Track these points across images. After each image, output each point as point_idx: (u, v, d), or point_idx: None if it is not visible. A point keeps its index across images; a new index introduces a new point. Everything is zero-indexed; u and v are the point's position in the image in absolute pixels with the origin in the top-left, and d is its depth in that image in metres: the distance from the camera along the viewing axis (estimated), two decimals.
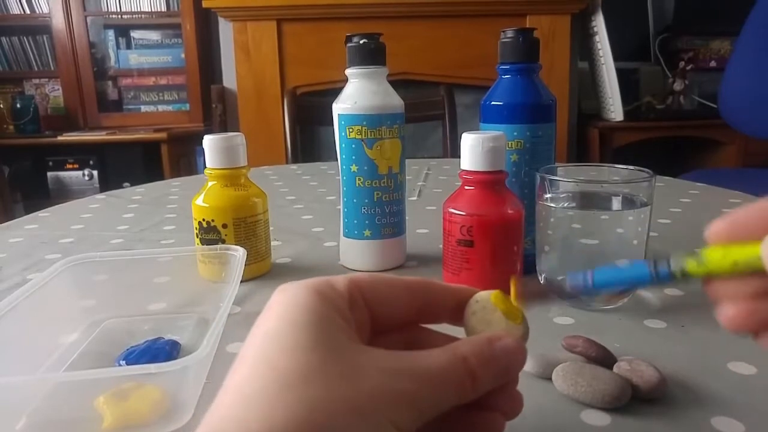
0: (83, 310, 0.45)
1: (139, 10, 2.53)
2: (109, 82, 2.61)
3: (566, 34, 2.20)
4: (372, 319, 0.25)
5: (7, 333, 0.36)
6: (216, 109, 2.38)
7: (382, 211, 0.54)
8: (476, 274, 0.47)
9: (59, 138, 2.40)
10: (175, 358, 0.38)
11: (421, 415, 0.21)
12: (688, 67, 2.36)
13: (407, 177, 0.59)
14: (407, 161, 0.58)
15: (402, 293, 0.26)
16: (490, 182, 0.46)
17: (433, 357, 0.22)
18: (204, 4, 2.15)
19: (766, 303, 0.20)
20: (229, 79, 2.36)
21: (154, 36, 2.60)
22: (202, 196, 0.53)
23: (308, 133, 2.25)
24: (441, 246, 0.49)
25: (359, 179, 0.54)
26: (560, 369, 0.34)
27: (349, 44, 0.53)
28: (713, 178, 1.31)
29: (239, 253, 0.45)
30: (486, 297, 0.26)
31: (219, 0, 2.14)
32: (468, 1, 2.16)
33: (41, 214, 0.81)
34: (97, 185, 2.49)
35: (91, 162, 2.50)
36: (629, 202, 0.45)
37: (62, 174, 2.51)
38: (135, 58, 2.58)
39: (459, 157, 0.47)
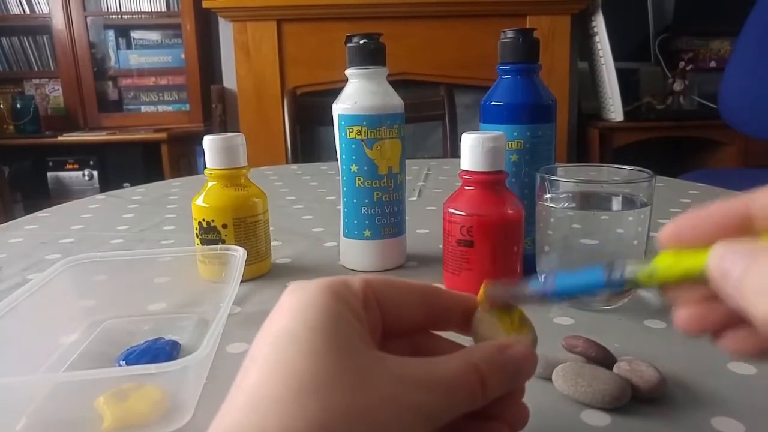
0: (83, 310, 0.45)
1: (139, 10, 2.53)
2: (109, 83, 2.61)
3: (566, 35, 2.20)
4: (382, 322, 0.25)
5: (7, 333, 0.36)
6: (216, 109, 2.38)
7: (382, 212, 0.54)
8: (476, 274, 0.47)
9: (59, 138, 2.40)
10: (175, 359, 0.38)
11: (433, 423, 0.21)
12: (688, 68, 2.36)
13: (407, 177, 0.59)
14: (407, 161, 0.58)
15: (413, 297, 0.26)
16: (490, 182, 0.46)
17: (446, 365, 0.22)
18: (204, 4, 2.15)
19: (718, 305, 0.20)
20: (229, 79, 2.36)
21: (154, 36, 2.60)
22: (202, 197, 0.53)
23: (308, 133, 2.25)
24: (441, 246, 0.49)
25: (359, 179, 0.54)
26: (560, 369, 0.34)
27: (349, 44, 0.53)
28: (713, 178, 1.31)
29: (239, 253, 0.45)
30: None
31: (219, 0, 2.14)
32: (468, 1, 2.16)
33: (41, 214, 0.81)
34: (97, 185, 2.49)
35: (91, 162, 2.50)
36: (629, 203, 0.45)
37: (62, 174, 2.51)
38: (135, 59, 2.58)
39: (459, 157, 0.47)
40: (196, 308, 0.47)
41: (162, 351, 0.38)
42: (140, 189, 0.99)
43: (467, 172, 0.47)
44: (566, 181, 0.47)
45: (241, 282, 0.42)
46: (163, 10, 2.52)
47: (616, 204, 0.45)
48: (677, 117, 2.28)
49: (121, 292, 0.47)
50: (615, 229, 0.46)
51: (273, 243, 0.59)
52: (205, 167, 0.53)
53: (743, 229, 0.20)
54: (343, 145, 0.54)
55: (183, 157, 2.49)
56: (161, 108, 2.62)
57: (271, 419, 0.18)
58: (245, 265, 0.43)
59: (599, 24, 2.14)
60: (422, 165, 1.17)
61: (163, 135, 2.37)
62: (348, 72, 0.54)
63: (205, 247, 0.53)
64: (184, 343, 0.41)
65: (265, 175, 1.10)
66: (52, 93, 2.62)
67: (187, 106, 2.56)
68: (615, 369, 0.34)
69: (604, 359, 0.35)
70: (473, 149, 0.46)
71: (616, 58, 2.12)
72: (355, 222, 0.55)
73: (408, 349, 0.26)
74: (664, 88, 2.43)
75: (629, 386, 0.32)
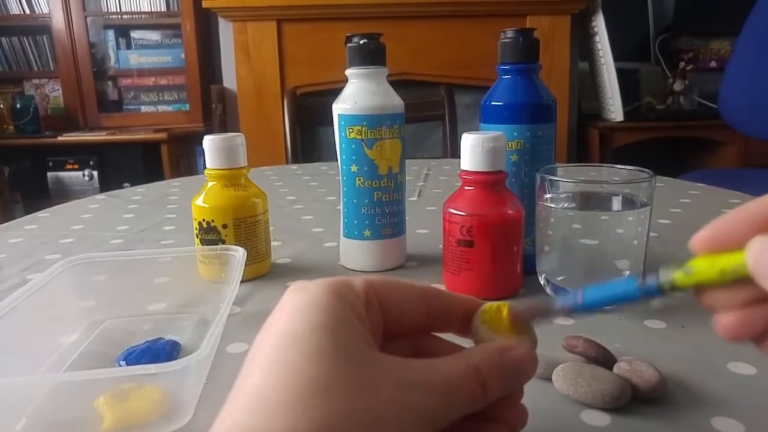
0: (83, 310, 0.45)
1: (139, 10, 2.53)
2: (109, 83, 2.61)
3: (566, 35, 2.20)
4: (384, 323, 0.25)
5: (7, 333, 0.36)
6: (216, 109, 2.38)
7: (382, 212, 0.54)
8: (476, 275, 0.47)
9: (59, 138, 2.40)
10: (175, 359, 0.38)
11: (433, 425, 0.21)
12: (688, 68, 2.36)
13: (407, 177, 0.59)
14: (407, 161, 0.58)
15: (415, 298, 0.26)
16: (490, 182, 0.46)
17: (447, 366, 0.22)
18: (204, 4, 2.15)
19: (762, 309, 0.20)
20: (229, 79, 2.36)
21: (154, 36, 2.60)
22: (202, 197, 0.53)
23: (308, 133, 2.25)
24: (441, 246, 0.49)
25: (359, 179, 0.54)
26: (560, 369, 0.34)
27: (349, 44, 0.53)
28: (713, 179, 1.31)
29: (239, 253, 0.45)
30: (494, 307, 0.26)
31: (219, 0, 2.14)
32: (468, 1, 2.16)
33: (41, 214, 0.81)
34: (97, 185, 2.49)
35: (91, 162, 2.50)
36: (629, 203, 0.45)
37: (62, 174, 2.51)
38: (135, 59, 2.58)
39: (459, 157, 0.47)
40: (196, 308, 0.47)
41: (162, 351, 0.38)
42: (140, 189, 0.99)
43: (467, 172, 0.47)
44: (566, 181, 0.47)
45: (241, 282, 0.42)
46: (163, 10, 2.51)
47: (616, 204, 0.45)
48: (677, 117, 2.28)
49: (121, 292, 0.47)
50: (615, 229, 0.46)
51: (273, 243, 0.59)
52: (205, 167, 0.53)
53: None
54: (343, 145, 0.54)
55: (183, 157, 2.49)
56: (161, 108, 2.62)
57: (274, 421, 0.18)
58: (245, 265, 0.43)
59: (599, 24, 2.14)
60: (422, 165, 1.17)
61: (163, 135, 2.37)
62: (348, 72, 0.54)
63: (205, 247, 0.53)
64: (184, 344, 0.41)
65: (265, 175, 1.10)
66: (52, 93, 2.62)
67: (187, 106, 2.56)
68: (615, 369, 0.34)
69: (604, 359, 0.35)
70: (473, 149, 0.46)
71: (616, 58, 2.12)
72: (355, 222, 0.55)
73: (408, 350, 0.26)
74: (664, 88, 2.43)
75: (629, 386, 0.32)
